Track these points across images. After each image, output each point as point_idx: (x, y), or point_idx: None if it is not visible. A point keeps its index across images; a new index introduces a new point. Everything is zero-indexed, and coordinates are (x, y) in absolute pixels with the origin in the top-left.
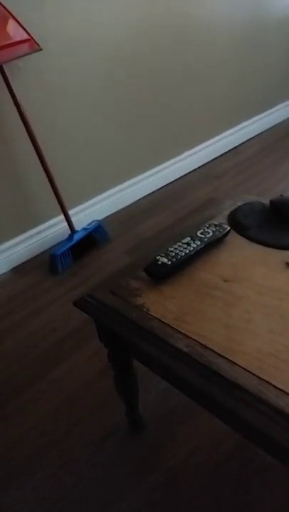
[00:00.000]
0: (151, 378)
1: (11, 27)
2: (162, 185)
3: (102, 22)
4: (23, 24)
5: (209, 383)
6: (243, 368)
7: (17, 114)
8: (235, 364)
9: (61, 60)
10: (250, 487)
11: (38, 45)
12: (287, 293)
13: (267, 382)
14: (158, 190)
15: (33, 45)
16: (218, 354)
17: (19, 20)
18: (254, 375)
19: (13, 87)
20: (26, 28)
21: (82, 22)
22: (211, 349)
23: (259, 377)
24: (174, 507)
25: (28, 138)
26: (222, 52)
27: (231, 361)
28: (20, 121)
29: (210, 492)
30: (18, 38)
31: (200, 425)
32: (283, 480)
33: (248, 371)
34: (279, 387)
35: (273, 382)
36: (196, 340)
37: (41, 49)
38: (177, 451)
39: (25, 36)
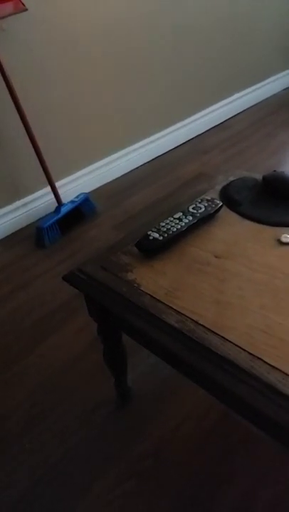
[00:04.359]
0: (140, 351)
1: None
2: (151, 158)
3: None
4: None
5: (201, 359)
6: (235, 344)
7: (1, 81)
8: (227, 340)
9: (48, 22)
10: (235, 457)
11: (24, 4)
12: (278, 269)
13: (258, 358)
14: (146, 163)
15: (17, 4)
16: (210, 330)
17: None
18: (245, 350)
19: None
20: None
21: None
22: (202, 325)
23: (250, 353)
24: (162, 475)
25: (13, 106)
26: (213, 23)
27: (223, 337)
28: (5, 88)
29: (197, 462)
30: None
31: (187, 397)
32: (267, 450)
33: (240, 347)
34: (270, 363)
35: (264, 358)
36: (188, 316)
37: (26, 9)
38: (165, 423)
39: None
